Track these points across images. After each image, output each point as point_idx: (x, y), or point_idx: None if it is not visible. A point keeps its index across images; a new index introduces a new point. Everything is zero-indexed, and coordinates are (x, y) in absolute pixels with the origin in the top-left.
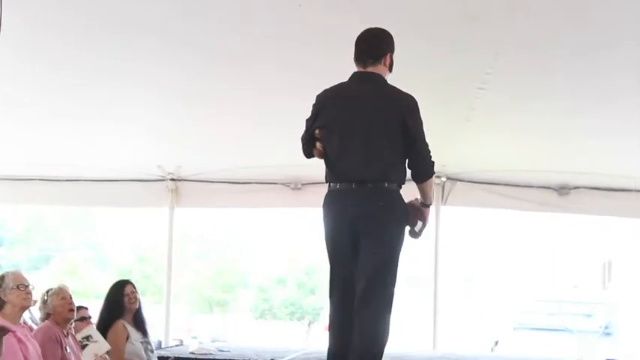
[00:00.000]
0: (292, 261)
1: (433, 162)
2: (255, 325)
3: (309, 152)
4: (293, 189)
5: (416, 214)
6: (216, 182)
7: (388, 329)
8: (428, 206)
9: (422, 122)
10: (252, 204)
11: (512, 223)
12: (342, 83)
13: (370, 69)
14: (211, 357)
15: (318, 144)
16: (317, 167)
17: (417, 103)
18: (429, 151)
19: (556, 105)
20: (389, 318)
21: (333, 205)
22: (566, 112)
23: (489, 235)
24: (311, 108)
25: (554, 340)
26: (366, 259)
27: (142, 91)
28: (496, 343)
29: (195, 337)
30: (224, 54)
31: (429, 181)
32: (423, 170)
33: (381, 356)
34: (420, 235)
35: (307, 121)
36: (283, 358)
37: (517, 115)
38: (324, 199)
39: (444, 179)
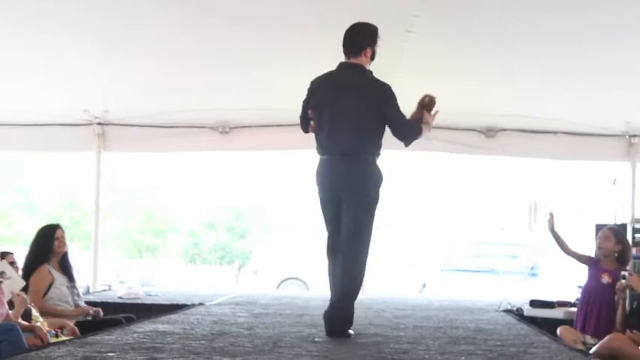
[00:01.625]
0: (222, 205)
1: (414, 125)
2: (186, 269)
3: (305, 128)
4: (221, 133)
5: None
6: (143, 126)
7: (364, 269)
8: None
9: (397, 103)
10: (180, 148)
11: (439, 165)
12: (330, 71)
13: (353, 60)
14: (139, 301)
15: (311, 122)
16: (245, 111)
17: (391, 88)
18: (407, 120)
19: (483, 48)
20: (365, 260)
21: (323, 172)
22: (493, 55)
23: (417, 179)
24: (306, 92)
25: (480, 281)
26: (349, 215)
27: (68, 36)
28: (424, 285)
29: (123, 282)
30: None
31: (419, 137)
32: (406, 135)
33: (359, 289)
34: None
35: (303, 102)
36: (212, 301)
37: (445, 58)
38: (317, 167)
39: None
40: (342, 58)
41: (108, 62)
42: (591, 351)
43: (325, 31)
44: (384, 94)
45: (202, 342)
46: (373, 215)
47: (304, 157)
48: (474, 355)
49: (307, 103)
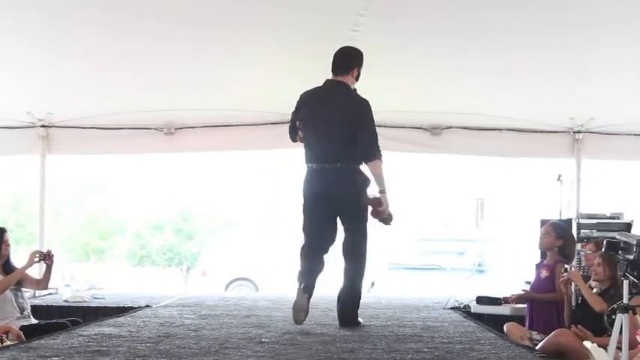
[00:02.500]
0: (168, 207)
1: (378, 147)
2: (133, 271)
3: (293, 138)
4: (166, 134)
5: (377, 204)
6: (88, 128)
7: (364, 272)
8: (383, 192)
9: (371, 118)
10: (125, 150)
11: (385, 163)
12: (317, 87)
13: (339, 78)
14: (86, 304)
15: (299, 132)
16: (189, 112)
17: (368, 104)
18: (375, 140)
19: (427, 45)
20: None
21: (311, 180)
22: (438, 52)
23: None
24: (295, 104)
25: (427, 279)
26: (344, 223)
27: (8, 37)
28: (372, 284)
29: (69, 285)
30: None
31: (375, 165)
32: (365, 152)
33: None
34: (388, 220)
35: (292, 113)
36: (159, 303)
37: (390, 57)
38: (305, 175)
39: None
40: (290, 58)
41: (50, 64)
42: (537, 347)
43: (272, 32)
44: (361, 108)
45: (148, 344)
46: (366, 214)
47: (251, 158)
48: (421, 352)
49: (296, 115)
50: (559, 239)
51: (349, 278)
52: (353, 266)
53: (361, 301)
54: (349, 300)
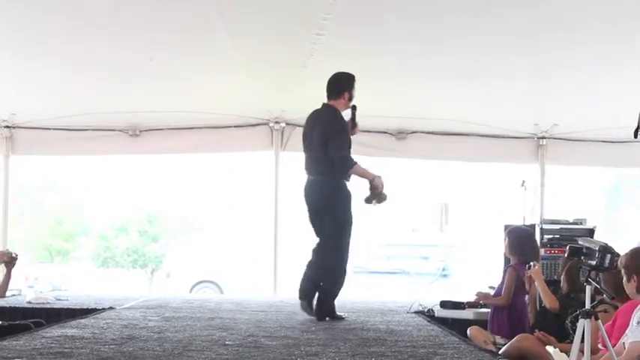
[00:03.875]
0: (134, 209)
1: (345, 157)
2: (98, 273)
3: None
4: (131, 135)
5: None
6: (52, 129)
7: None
8: (372, 181)
9: (341, 136)
10: (90, 151)
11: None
12: (316, 109)
13: (331, 102)
14: (49, 306)
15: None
16: (155, 114)
17: (336, 117)
18: (340, 152)
19: (392, 48)
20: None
21: (305, 190)
22: (403, 55)
23: None
24: None
25: (392, 283)
26: (324, 225)
27: None
28: None
29: (32, 287)
30: (56, 4)
31: (353, 170)
32: (336, 165)
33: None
34: (381, 199)
35: None
36: (123, 305)
37: (355, 60)
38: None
39: (283, 125)
40: (253, 63)
41: (13, 66)
42: (500, 351)
43: (235, 37)
44: (328, 122)
45: (112, 346)
46: (346, 223)
47: (217, 160)
48: (384, 356)
49: None
50: (515, 244)
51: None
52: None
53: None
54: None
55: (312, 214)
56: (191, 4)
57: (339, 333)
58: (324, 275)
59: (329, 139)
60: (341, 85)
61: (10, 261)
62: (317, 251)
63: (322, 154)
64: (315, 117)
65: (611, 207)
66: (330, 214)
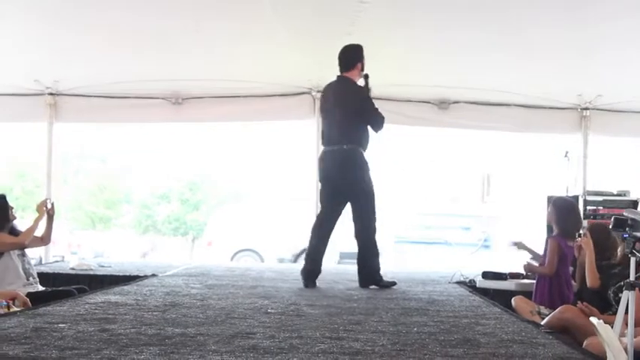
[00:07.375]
0: (175, 177)
1: (383, 117)
2: (140, 240)
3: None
4: (174, 104)
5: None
6: (95, 97)
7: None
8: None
9: (370, 99)
10: (133, 119)
11: (391, 137)
12: (331, 82)
13: (345, 74)
14: (92, 272)
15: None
16: (197, 82)
17: (362, 89)
18: (379, 113)
19: (436, 20)
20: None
21: (324, 161)
22: (446, 27)
23: (369, 151)
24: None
25: (433, 253)
26: (351, 196)
27: (17, 9)
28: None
29: (75, 253)
30: None
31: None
32: (376, 125)
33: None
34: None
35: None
36: (165, 272)
37: (398, 30)
38: (319, 156)
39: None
40: (292, 34)
41: (56, 33)
42: (542, 322)
43: (277, 7)
44: (354, 93)
45: (155, 313)
46: (372, 189)
47: (258, 129)
48: (427, 326)
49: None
50: (558, 215)
51: (362, 240)
52: (364, 234)
53: (352, 277)
54: (364, 261)
55: (339, 184)
56: None
57: (380, 302)
58: (372, 243)
59: (362, 106)
60: (353, 56)
61: (51, 209)
62: (358, 219)
63: (356, 122)
64: (334, 89)
65: None
66: (364, 182)
